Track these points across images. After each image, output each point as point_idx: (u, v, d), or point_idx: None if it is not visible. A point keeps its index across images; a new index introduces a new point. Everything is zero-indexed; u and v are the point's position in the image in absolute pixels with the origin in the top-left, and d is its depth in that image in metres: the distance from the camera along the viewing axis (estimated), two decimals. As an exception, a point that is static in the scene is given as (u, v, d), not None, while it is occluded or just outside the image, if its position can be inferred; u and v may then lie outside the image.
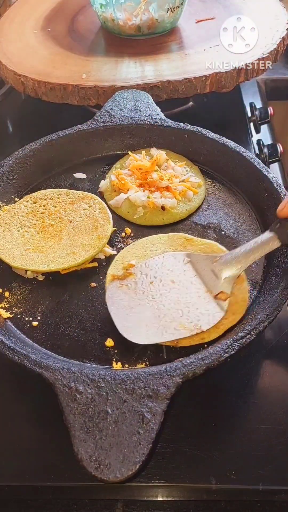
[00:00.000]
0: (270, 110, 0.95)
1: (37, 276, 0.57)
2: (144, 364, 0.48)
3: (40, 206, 0.63)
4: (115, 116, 0.72)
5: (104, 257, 0.59)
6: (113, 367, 0.48)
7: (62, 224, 0.61)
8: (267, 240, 0.50)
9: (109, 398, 0.41)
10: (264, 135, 0.94)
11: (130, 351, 0.50)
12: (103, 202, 0.63)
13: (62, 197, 0.64)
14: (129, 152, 0.69)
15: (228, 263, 0.51)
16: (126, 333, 0.49)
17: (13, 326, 0.53)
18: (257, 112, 0.95)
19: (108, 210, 0.62)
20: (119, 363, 0.49)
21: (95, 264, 0.58)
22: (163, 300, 0.51)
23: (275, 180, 0.61)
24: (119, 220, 0.63)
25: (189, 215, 0.63)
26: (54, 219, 0.61)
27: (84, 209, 0.62)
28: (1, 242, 0.59)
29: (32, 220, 0.61)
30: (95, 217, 0.61)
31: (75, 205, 0.63)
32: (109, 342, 0.51)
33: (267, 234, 0.50)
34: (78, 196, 0.64)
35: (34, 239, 0.59)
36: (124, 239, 0.61)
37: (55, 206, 0.63)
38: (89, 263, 0.58)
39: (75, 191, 0.65)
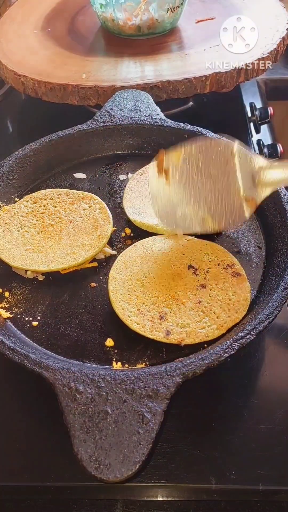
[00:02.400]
0: (270, 110, 0.95)
1: (37, 276, 0.57)
2: (144, 364, 0.48)
3: (40, 206, 0.63)
4: (115, 116, 0.72)
5: (104, 257, 0.59)
6: (113, 367, 0.48)
7: (62, 224, 0.61)
8: None
9: (109, 398, 0.41)
10: (264, 135, 0.94)
11: (130, 351, 0.50)
12: (103, 202, 0.63)
13: (62, 197, 0.64)
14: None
15: (271, 171, 0.49)
16: (161, 218, 0.53)
17: (13, 326, 0.53)
18: (257, 112, 0.95)
19: (108, 210, 0.62)
20: (119, 363, 0.49)
21: (95, 264, 0.58)
22: (199, 189, 0.50)
23: (275, 180, 0.61)
24: (119, 220, 0.63)
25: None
26: (54, 219, 0.61)
27: (84, 209, 0.62)
28: (1, 242, 0.59)
29: (32, 220, 0.61)
30: (95, 217, 0.61)
31: (75, 205, 0.63)
32: (109, 342, 0.51)
33: None
34: (78, 196, 0.64)
35: (34, 239, 0.59)
36: (124, 239, 0.61)
37: (55, 206, 0.63)
38: (89, 263, 0.58)
39: (75, 191, 0.65)
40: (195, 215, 0.51)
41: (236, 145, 0.52)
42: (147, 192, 0.62)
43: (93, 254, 0.57)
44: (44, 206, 0.63)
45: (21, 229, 0.61)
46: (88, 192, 0.65)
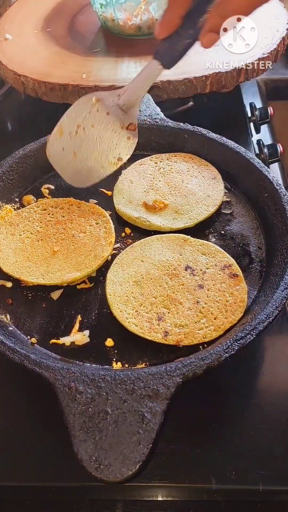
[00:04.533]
0: (270, 110, 0.95)
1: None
2: (144, 364, 0.48)
3: (48, 214, 0.62)
4: (115, 116, 0.72)
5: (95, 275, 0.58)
6: (113, 367, 0.48)
7: (64, 236, 0.59)
8: (150, 67, 0.53)
9: (109, 398, 0.41)
10: (264, 135, 0.94)
11: (130, 351, 0.50)
12: (111, 221, 0.61)
13: (73, 208, 0.63)
14: None
15: (128, 97, 0.56)
16: (70, 180, 0.59)
17: (13, 326, 0.53)
18: (257, 112, 0.95)
19: (113, 230, 0.60)
20: (119, 363, 0.49)
21: (86, 285, 0.56)
22: (89, 145, 0.57)
23: (275, 180, 0.61)
24: (119, 220, 0.63)
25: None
26: (57, 230, 0.60)
27: (90, 225, 0.60)
28: (1, 244, 0.59)
29: (37, 226, 0.61)
30: (99, 236, 0.59)
31: (82, 219, 0.61)
32: (109, 342, 0.51)
33: (150, 62, 0.53)
34: (89, 210, 0.62)
35: (32, 246, 0.58)
36: (124, 239, 0.61)
37: (63, 216, 0.61)
38: (80, 282, 0.56)
39: (87, 203, 0.63)
40: (89, 163, 0.57)
41: (94, 95, 0.58)
42: (140, 181, 0.65)
43: (84, 275, 0.56)
44: (52, 214, 0.62)
45: (23, 234, 0.60)
46: (99, 207, 0.63)
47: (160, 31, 0.50)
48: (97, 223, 0.61)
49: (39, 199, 0.65)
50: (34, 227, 0.61)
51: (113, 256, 0.58)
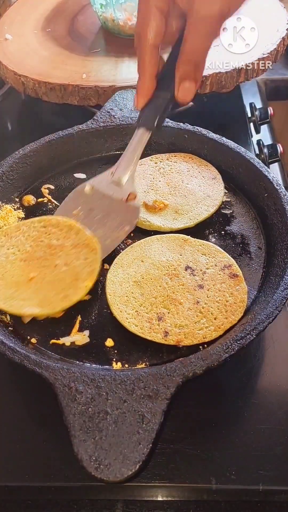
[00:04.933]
0: (270, 110, 0.95)
1: None
2: (144, 364, 0.48)
3: (45, 233, 0.57)
4: (115, 116, 0.72)
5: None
6: (113, 367, 0.48)
7: (47, 264, 0.55)
8: (139, 136, 0.56)
9: (109, 398, 0.41)
10: (264, 135, 0.94)
11: (130, 351, 0.50)
12: (99, 263, 0.54)
13: (71, 234, 0.57)
14: None
15: (123, 171, 0.59)
16: None
17: (13, 326, 0.53)
18: (257, 112, 0.95)
19: (96, 273, 0.54)
20: (119, 363, 0.49)
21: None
22: (95, 226, 0.58)
23: (275, 180, 0.61)
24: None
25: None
26: (45, 254, 0.55)
27: (77, 259, 0.55)
28: None
29: (27, 245, 0.57)
30: (79, 274, 0.53)
31: (73, 250, 0.55)
32: (109, 342, 0.51)
33: (136, 131, 0.56)
34: (85, 241, 0.56)
35: (12, 265, 0.55)
36: (124, 239, 0.61)
37: (58, 240, 0.57)
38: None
39: (87, 233, 0.56)
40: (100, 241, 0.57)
41: (87, 184, 0.61)
42: (140, 181, 0.66)
43: (45, 314, 0.52)
44: (49, 234, 0.57)
45: (11, 248, 0.56)
46: (96, 242, 0.56)
47: (139, 101, 0.52)
48: (85, 259, 0.55)
49: (43, 216, 0.61)
50: (25, 245, 0.57)
51: (112, 258, 0.58)
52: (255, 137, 0.92)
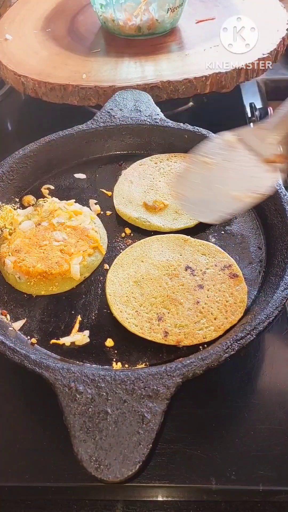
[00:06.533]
0: (270, 110, 0.95)
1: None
2: (144, 364, 0.48)
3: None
4: (115, 116, 0.72)
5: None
6: (113, 367, 0.48)
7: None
8: None
9: (109, 398, 0.41)
10: (264, 135, 0.94)
11: (130, 351, 0.50)
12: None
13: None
14: None
15: (276, 127, 0.53)
16: (196, 215, 0.57)
17: (13, 326, 0.53)
18: (257, 112, 0.95)
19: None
20: (119, 363, 0.49)
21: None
22: (223, 182, 0.54)
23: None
24: (119, 220, 0.63)
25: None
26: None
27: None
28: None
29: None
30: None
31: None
32: (109, 342, 0.51)
33: None
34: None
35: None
36: (124, 239, 0.61)
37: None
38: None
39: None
40: (223, 195, 0.53)
41: (232, 135, 0.57)
42: (140, 181, 0.64)
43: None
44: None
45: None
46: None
47: None
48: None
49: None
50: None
51: (112, 258, 0.58)
52: (255, 137, 0.92)
